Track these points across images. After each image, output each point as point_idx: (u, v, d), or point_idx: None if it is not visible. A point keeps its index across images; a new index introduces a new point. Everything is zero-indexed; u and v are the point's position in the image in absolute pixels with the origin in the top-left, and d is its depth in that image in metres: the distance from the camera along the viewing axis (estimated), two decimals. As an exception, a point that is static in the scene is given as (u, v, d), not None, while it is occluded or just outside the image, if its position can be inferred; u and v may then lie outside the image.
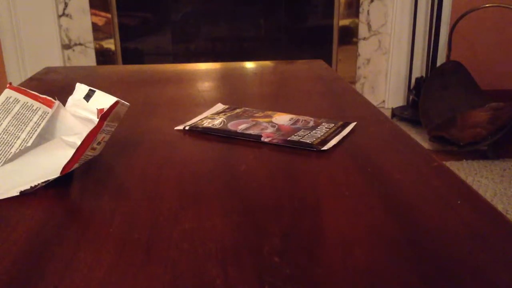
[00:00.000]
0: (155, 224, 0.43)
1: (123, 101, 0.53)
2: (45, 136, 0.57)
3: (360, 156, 0.58)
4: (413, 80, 2.57)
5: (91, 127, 0.49)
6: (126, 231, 0.42)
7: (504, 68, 2.68)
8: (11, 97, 0.57)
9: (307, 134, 0.62)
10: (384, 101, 2.72)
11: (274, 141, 0.61)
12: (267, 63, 1.13)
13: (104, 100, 0.60)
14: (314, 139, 0.60)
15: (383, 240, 0.40)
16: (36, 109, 0.57)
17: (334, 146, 0.60)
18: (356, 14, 2.59)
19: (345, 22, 2.61)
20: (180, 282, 0.35)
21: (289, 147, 0.60)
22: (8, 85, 0.58)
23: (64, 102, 0.61)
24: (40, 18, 2.42)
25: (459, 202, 0.46)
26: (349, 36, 2.62)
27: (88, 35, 2.50)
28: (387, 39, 2.63)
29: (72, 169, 0.49)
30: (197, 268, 0.37)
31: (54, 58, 2.48)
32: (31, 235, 0.41)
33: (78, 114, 0.60)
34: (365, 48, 2.64)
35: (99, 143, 0.52)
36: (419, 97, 2.38)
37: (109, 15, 2.49)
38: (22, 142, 0.55)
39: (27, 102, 0.57)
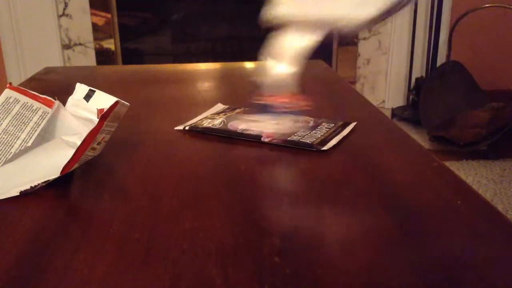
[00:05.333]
0: (155, 224, 0.43)
1: (123, 101, 0.53)
2: (45, 136, 0.57)
3: (360, 156, 0.58)
4: (413, 80, 2.57)
5: (91, 127, 0.49)
6: (126, 231, 0.42)
7: (504, 68, 2.68)
8: (11, 97, 0.57)
9: (307, 134, 0.62)
10: (384, 101, 2.72)
11: (274, 141, 0.61)
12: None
13: (104, 100, 0.60)
14: (314, 139, 0.60)
15: (383, 240, 0.40)
16: (36, 109, 0.57)
17: (334, 146, 0.60)
18: (356, 14, 2.58)
19: (345, 22, 2.60)
20: (180, 282, 0.35)
21: (289, 147, 0.60)
22: (8, 85, 0.58)
23: (64, 102, 0.61)
24: (40, 18, 2.42)
25: (459, 202, 0.46)
26: (349, 36, 2.62)
27: (88, 35, 2.50)
28: (387, 39, 2.63)
29: (72, 169, 0.49)
30: (197, 268, 0.37)
31: (54, 58, 2.48)
32: (31, 235, 0.41)
33: (78, 114, 0.60)
34: (365, 48, 2.64)
35: (99, 143, 0.52)
36: (419, 97, 2.38)
37: (109, 15, 2.49)
38: (22, 142, 0.55)
39: (27, 102, 0.57)
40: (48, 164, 0.51)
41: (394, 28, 2.58)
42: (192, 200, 0.47)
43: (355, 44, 2.63)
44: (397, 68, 2.65)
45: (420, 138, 2.28)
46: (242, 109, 0.73)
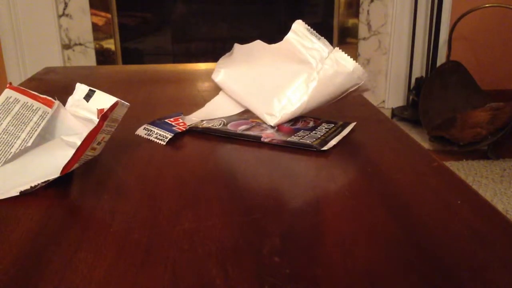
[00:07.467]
0: (155, 224, 0.43)
1: (123, 101, 0.53)
2: (45, 136, 0.57)
3: (360, 156, 0.58)
4: (413, 80, 2.57)
5: (91, 127, 0.49)
6: (126, 231, 0.42)
7: (504, 68, 2.68)
8: (11, 97, 0.57)
9: (307, 135, 0.62)
10: (384, 101, 2.72)
11: (274, 141, 0.61)
12: (267, 63, 1.13)
13: (104, 100, 0.60)
14: (314, 140, 0.60)
15: (383, 240, 0.40)
16: (36, 109, 0.57)
17: (334, 146, 0.60)
18: (356, 14, 2.59)
19: (345, 22, 2.61)
20: (180, 282, 0.35)
21: (289, 147, 0.60)
22: (8, 85, 0.58)
23: (64, 102, 0.61)
24: (40, 18, 2.42)
25: (459, 202, 0.46)
26: (349, 36, 2.62)
27: (88, 35, 2.50)
28: (387, 39, 2.63)
29: (72, 169, 0.49)
30: (197, 268, 0.37)
31: (54, 58, 2.48)
32: (31, 235, 0.41)
33: (78, 114, 0.60)
34: (365, 48, 2.64)
35: (99, 143, 0.52)
36: (419, 97, 2.39)
37: (109, 15, 2.49)
38: (22, 142, 0.55)
39: (27, 102, 0.57)
40: (48, 164, 0.51)
41: (394, 28, 2.58)
42: (192, 200, 0.47)
43: (355, 44, 2.63)
44: (397, 68, 2.65)
45: (420, 138, 2.28)
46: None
